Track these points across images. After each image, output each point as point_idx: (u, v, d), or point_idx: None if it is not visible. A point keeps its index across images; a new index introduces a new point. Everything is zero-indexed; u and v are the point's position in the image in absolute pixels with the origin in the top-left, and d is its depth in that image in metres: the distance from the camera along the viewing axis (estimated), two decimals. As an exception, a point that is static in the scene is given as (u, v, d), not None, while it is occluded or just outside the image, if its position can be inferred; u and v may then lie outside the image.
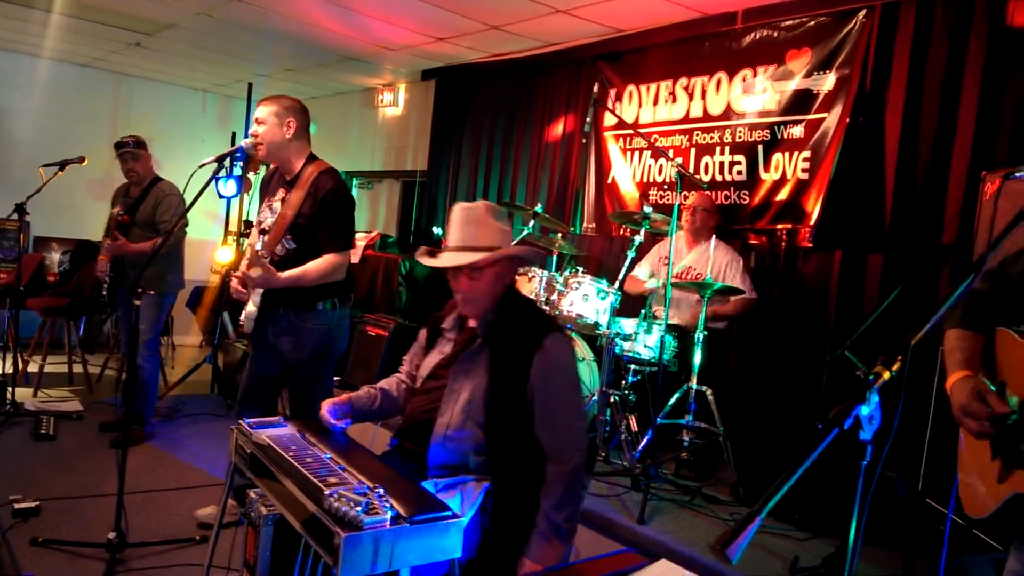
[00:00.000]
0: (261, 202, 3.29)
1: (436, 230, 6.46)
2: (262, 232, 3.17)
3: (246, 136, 3.16)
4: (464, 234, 2.18)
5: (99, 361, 6.24)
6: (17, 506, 3.28)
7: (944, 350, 1.74)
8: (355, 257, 5.78)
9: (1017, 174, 1.53)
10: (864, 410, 1.23)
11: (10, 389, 4.89)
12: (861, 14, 3.93)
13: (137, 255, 4.28)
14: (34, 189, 4.75)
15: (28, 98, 7.59)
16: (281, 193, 3.17)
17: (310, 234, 3.06)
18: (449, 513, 1.86)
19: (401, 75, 7.19)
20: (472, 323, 2.28)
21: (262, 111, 3.14)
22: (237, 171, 6.28)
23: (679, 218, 4.04)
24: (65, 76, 7.87)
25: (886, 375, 1.23)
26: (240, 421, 2.44)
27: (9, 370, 5.36)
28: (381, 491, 1.85)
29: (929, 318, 1.26)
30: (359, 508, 1.74)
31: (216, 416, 5.22)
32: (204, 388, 5.85)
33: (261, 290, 3.05)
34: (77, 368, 5.92)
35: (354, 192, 8.35)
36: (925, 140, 3.67)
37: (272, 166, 3.35)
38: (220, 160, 3.04)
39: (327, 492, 1.82)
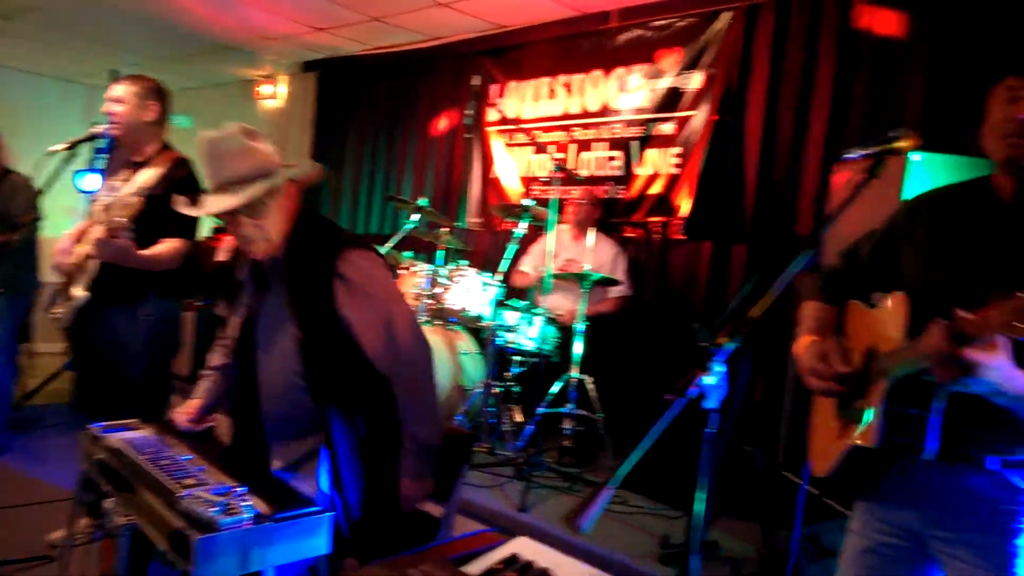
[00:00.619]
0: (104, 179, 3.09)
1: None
2: (105, 209, 2.98)
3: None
4: (220, 169, 1.91)
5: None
6: None
7: (798, 321, 1.84)
8: (228, 254, 5.54)
9: (845, 156, 1.64)
10: (707, 380, 1.29)
11: None
12: (726, 16, 4.13)
13: None
14: None
15: None
16: (125, 174, 2.99)
17: (155, 220, 2.88)
18: (315, 508, 1.81)
19: (282, 66, 6.96)
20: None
21: (121, 90, 2.94)
22: (100, 163, 5.89)
23: (562, 212, 4.11)
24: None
25: (726, 343, 1.29)
26: (88, 426, 2.29)
27: None
28: (242, 490, 1.78)
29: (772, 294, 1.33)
30: (216, 509, 1.67)
31: (80, 427, 4.87)
32: (65, 397, 5.46)
33: (88, 276, 2.87)
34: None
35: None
36: (783, 136, 3.90)
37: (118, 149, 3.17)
38: (73, 146, 2.83)
39: (182, 494, 1.73)
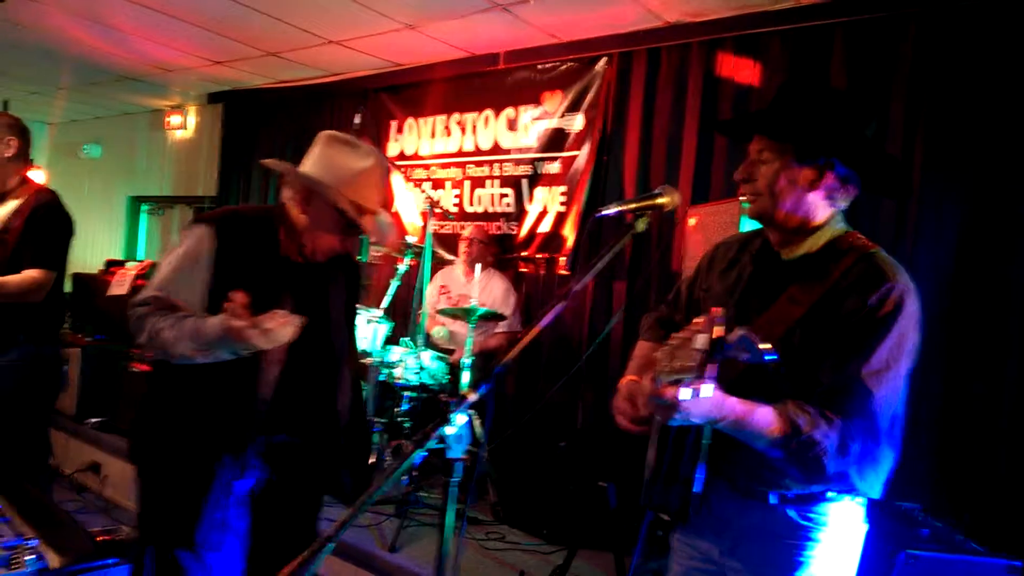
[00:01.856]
0: None
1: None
2: None
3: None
4: (382, 191, 2.01)
5: None
6: None
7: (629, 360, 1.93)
8: (123, 287, 5.42)
9: (603, 212, 1.73)
10: (450, 430, 1.33)
11: None
12: (603, 61, 4.29)
13: None
14: None
15: None
16: None
17: (15, 251, 2.84)
18: (111, 561, 1.79)
19: (189, 98, 6.90)
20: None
21: None
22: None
23: (457, 248, 4.17)
24: None
25: (471, 396, 1.34)
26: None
27: None
28: (35, 542, 1.75)
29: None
30: (-6, 564, 1.64)
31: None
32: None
33: None
34: None
35: (143, 218, 7.86)
36: (656, 177, 4.04)
37: None
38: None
39: (-38, 549, 1.69)
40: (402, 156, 5.27)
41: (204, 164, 7.02)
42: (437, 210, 4.09)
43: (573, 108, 4.40)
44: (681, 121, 3.94)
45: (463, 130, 4.94)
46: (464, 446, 1.34)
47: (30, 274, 2.86)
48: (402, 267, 4.07)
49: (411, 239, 4.05)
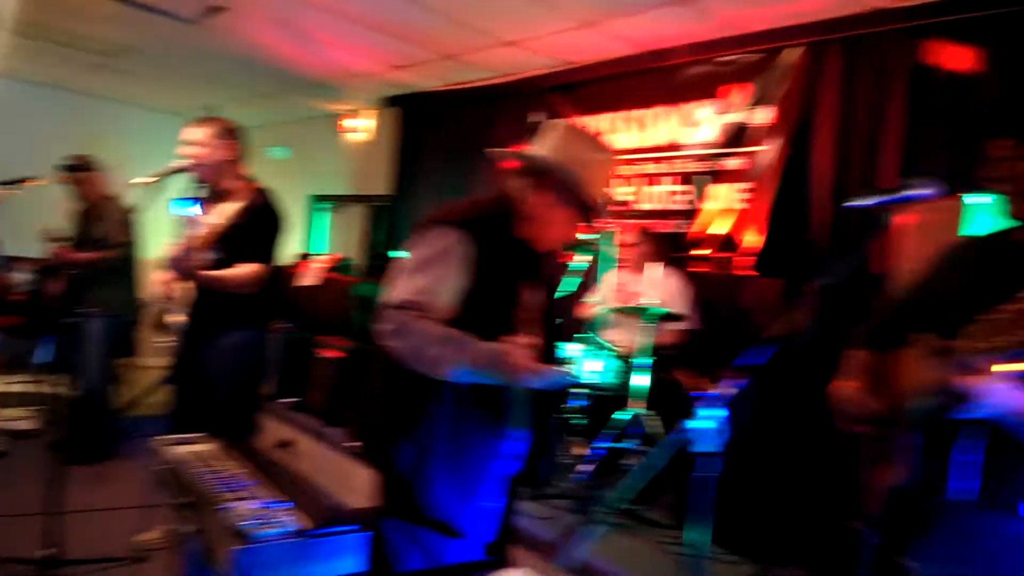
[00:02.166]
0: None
1: (392, 254, 6.53)
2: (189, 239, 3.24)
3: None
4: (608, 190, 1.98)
5: (58, 381, 6.20)
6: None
7: (843, 366, 1.86)
8: (312, 279, 5.83)
9: (851, 204, 1.65)
10: (699, 424, 1.32)
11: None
12: (791, 51, 4.10)
13: (80, 267, 4.32)
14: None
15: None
16: (208, 206, 3.24)
17: (236, 245, 3.10)
18: (355, 527, 1.90)
19: (367, 102, 7.30)
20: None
21: (199, 133, 3.19)
22: (195, 192, 6.32)
23: (623, 246, 4.15)
24: (20, 95, 7.88)
25: (719, 389, 1.33)
26: (160, 437, 2.49)
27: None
28: (288, 505, 1.91)
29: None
30: (254, 521, 1.79)
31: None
32: (162, 409, 5.84)
33: (184, 302, 3.12)
34: (37, 387, 5.89)
35: (324, 216, 8.42)
36: (855, 172, 3.80)
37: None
38: (157, 179, 3.09)
39: (222, 506, 1.86)
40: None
41: (380, 164, 7.42)
42: (619, 206, 4.07)
43: (758, 102, 4.25)
44: (882, 114, 3.69)
45: (636, 126, 4.90)
46: (717, 441, 1.32)
47: (245, 267, 3.11)
48: (575, 263, 4.08)
49: (583, 236, 4.04)
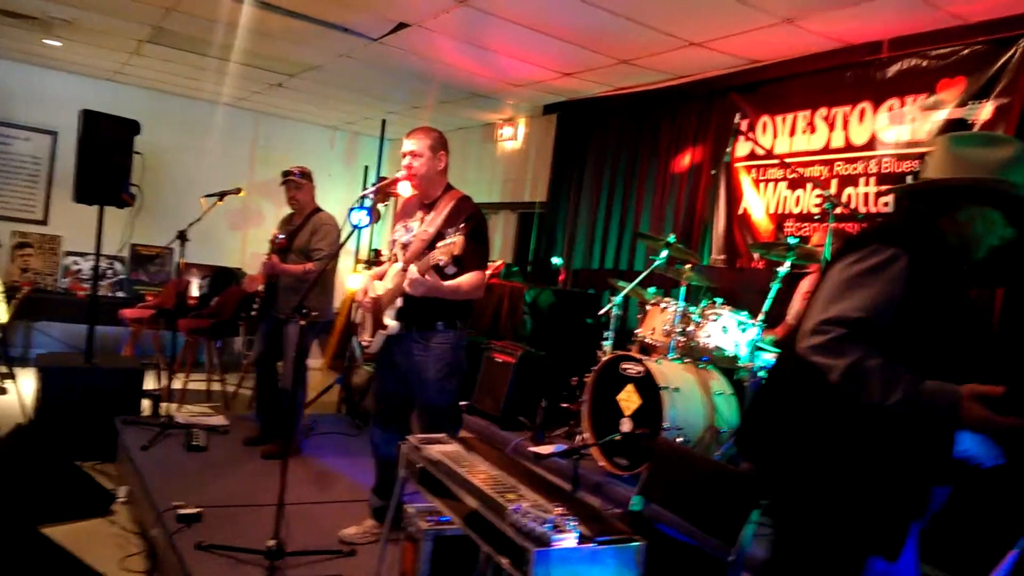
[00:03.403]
0: (393, 225, 3.48)
1: (555, 260, 6.54)
2: (403, 247, 3.32)
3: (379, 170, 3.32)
4: None
5: (234, 380, 6.61)
6: (181, 511, 3.50)
7: None
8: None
9: None
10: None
11: (163, 404, 5.27)
12: (1021, 43, 3.76)
13: (288, 276, 4.55)
14: (189, 218, 5.09)
15: (175, 135, 8.23)
16: (420, 215, 3.33)
17: (462, 253, 3.12)
18: (632, 538, 1.86)
19: (522, 110, 7.38)
20: None
21: (416, 144, 3.29)
22: (367, 202, 6.58)
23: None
24: (209, 115, 8.52)
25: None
26: (408, 437, 2.54)
27: (164, 384, 5.77)
28: (562, 509, 1.89)
29: None
30: (547, 525, 1.78)
31: (347, 435, 5.42)
32: (332, 409, 6.10)
33: (397, 307, 3.19)
34: (215, 386, 6.31)
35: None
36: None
37: (409, 197, 3.53)
38: (379, 191, 3.21)
39: (511, 508, 1.86)
40: (752, 156, 5.13)
41: (532, 172, 7.47)
42: (837, 209, 3.86)
43: (978, 96, 3.92)
44: None
45: (831, 125, 4.66)
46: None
47: (478, 275, 3.21)
48: (782, 270, 3.91)
49: (793, 239, 3.86)
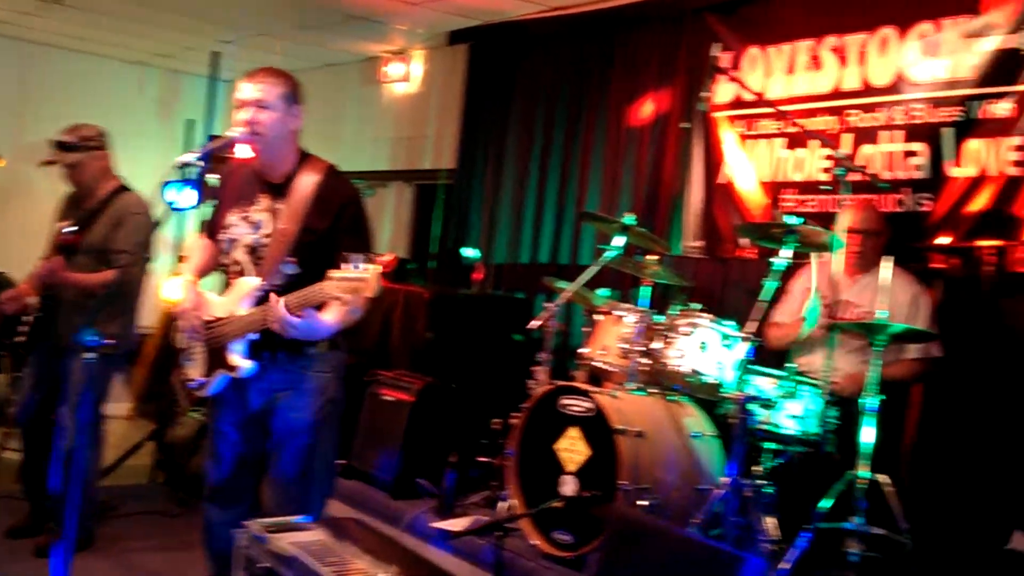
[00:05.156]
0: (221, 210, 3.36)
1: (469, 252, 6.48)
2: (250, 251, 3.20)
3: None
4: None
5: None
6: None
7: None
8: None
9: None
10: None
11: None
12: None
13: (79, 289, 4.32)
14: None
15: None
16: (265, 201, 3.23)
17: (322, 255, 3.05)
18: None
19: (417, 38, 7.32)
20: None
21: (261, 90, 3.17)
22: (193, 172, 6.37)
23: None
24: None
25: None
26: (247, 523, 2.45)
27: None
28: None
29: None
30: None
31: (165, 516, 5.21)
32: (143, 476, 5.88)
33: (250, 340, 3.11)
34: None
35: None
36: None
37: (235, 164, 3.45)
38: (205, 158, 3.07)
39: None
40: (738, 102, 5.21)
41: (435, 126, 7.41)
42: (854, 173, 3.94)
43: (1039, 18, 4.10)
44: None
45: (842, 60, 4.78)
46: None
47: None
48: (779, 261, 3.94)
49: (792, 220, 3.90)
